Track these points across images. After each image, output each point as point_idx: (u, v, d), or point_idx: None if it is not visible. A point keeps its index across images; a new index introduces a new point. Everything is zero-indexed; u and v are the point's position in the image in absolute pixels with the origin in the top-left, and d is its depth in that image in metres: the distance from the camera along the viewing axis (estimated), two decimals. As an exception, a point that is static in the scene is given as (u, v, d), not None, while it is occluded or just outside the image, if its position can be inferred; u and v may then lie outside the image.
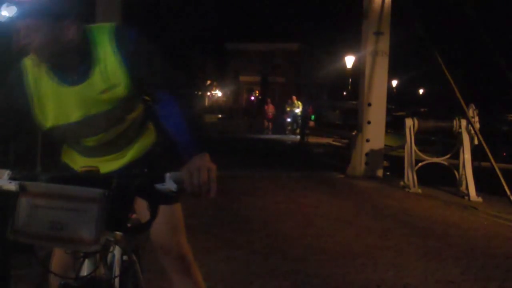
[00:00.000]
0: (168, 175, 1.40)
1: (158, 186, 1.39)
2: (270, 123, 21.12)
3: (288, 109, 20.16)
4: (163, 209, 1.43)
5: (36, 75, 1.71)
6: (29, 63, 1.72)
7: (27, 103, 1.72)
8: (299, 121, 18.39)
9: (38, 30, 1.55)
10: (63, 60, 1.66)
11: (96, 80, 1.69)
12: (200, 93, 37.05)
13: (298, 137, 17.21)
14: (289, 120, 20.17)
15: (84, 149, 1.89)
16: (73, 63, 1.67)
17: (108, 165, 1.84)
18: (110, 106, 1.73)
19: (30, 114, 1.73)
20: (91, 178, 1.41)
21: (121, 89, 1.71)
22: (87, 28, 1.70)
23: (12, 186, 1.41)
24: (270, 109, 21.30)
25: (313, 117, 18.74)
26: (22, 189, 1.35)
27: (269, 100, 22.41)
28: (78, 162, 1.90)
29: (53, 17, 1.56)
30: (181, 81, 1.72)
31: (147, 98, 1.88)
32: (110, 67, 1.69)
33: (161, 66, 1.70)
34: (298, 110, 19.31)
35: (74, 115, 1.73)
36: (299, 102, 19.73)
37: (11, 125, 1.76)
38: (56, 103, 1.72)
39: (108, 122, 1.77)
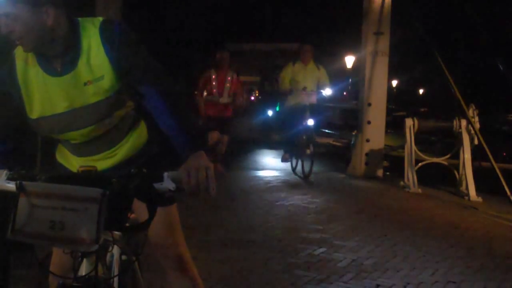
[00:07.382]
0: (166, 174, 1.40)
1: (157, 185, 1.39)
2: None
3: None
4: (159, 209, 1.43)
5: (24, 65, 1.72)
6: (18, 54, 1.72)
7: (19, 96, 1.72)
8: None
9: (18, 18, 1.56)
10: (48, 48, 1.66)
11: (81, 71, 1.70)
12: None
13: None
14: None
15: (74, 147, 1.88)
16: (58, 52, 1.68)
17: (100, 164, 1.82)
18: (96, 99, 1.73)
19: (23, 108, 1.74)
20: (90, 177, 1.41)
21: (105, 81, 1.71)
22: (75, 20, 1.71)
23: (10, 186, 1.41)
24: None
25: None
26: (21, 189, 1.35)
27: None
28: (72, 162, 1.90)
29: (31, 3, 1.56)
30: (166, 76, 1.71)
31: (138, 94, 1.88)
32: (95, 59, 1.69)
33: (145, 60, 1.71)
34: None
35: (60, 106, 1.73)
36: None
37: (8, 122, 1.76)
38: (43, 93, 1.72)
39: (94, 116, 1.76)
